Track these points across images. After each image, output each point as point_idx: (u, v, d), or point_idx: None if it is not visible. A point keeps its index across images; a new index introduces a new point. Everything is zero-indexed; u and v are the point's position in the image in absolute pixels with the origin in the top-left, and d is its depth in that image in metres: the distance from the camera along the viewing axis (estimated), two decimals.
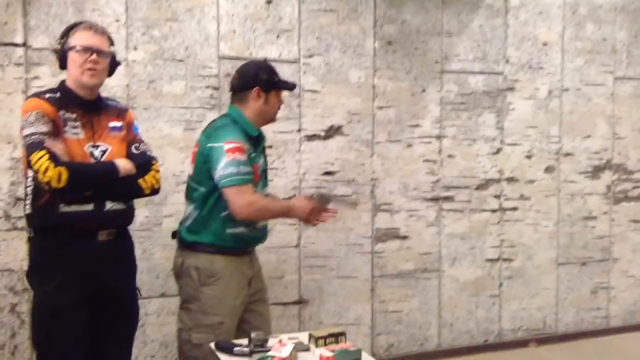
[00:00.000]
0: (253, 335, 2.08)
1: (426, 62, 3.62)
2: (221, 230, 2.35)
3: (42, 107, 2.06)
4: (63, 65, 2.16)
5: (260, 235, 2.50)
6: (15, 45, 2.83)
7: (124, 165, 2.15)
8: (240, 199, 2.27)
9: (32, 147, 2.01)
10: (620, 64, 4.12)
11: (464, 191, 3.75)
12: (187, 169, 3.05)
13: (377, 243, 3.56)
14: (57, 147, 2.03)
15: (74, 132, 2.10)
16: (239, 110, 2.43)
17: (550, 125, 3.94)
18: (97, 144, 2.15)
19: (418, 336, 3.69)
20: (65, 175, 1.98)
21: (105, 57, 2.15)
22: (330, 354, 1.96)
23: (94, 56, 2.09)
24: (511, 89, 3.83)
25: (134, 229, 3.01)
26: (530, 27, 3.86)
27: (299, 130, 3.35)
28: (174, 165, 3.10)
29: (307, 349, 2.10)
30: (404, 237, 3.63)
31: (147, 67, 3.04)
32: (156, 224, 3.08)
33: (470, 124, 3.74)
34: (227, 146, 2.26)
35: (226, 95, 3.15)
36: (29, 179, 2.11)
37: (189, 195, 2.42)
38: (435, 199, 3.69)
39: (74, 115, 2.11)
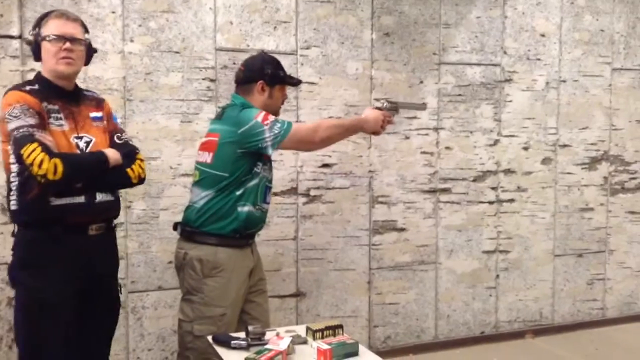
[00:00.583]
0: (250, 328, 2.08)
1: (424, 53, 3.61)
2: (230, 212, 2.37)
3: (26, 100, 2.01)
4: (37, 57, 2.11)
5: (262, 218, 2.52)
6: (11, 37, 2.82)
7: (113, 155, 2.13)
8: (304, 133, 2.42)
9: (22, 140, 1.94)
10: (618, 55, 4.11)
11: (461, 183, 3.75)
12: (184, 161, 3.08)
13: (374, 235, 3.57)
14: (48, 139, 1.99)
15: (58, 123, 2.07)
16: (245, 101, 2.48)
17: (547, 116, 3.94)
18: (81, 135, 2.12)
19: (415, 328, 3.70)
20: (60, 167, 1.94)
21: (80, 44, 2.11)
22: (327, 347, 1.96)
23: (68, 44, 2.05)
24: (509, 80, 3.82)
25: (130, 222, 3.04)
26: (528, 18, 3.85)
27: (297, 122, 3.33)
28: (170, 158, 3.09)
29: (304, 342, 2.11)
30: (401, 229, 3.63)
31: (143, 59, 3.03)
32: (153, 217, 3.08)
33: (468, 116, 3.74)
34: (258, 118, 2.35)
35: (223, 87, 3.16)
36: (13, 174, 2.06)
37: (203, 182, 2.43)
38: (432, 191, 3.69)
39: (56, 107, 2.08)
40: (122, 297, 3.02)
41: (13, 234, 2.15)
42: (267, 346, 1.96)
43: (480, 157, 3.79)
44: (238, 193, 2.38)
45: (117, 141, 2.21)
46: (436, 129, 3.67)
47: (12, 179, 2.07)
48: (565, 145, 4.01)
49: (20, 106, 1.99)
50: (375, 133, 2.69)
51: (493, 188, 3.84)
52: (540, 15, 3.87)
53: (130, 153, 2.21)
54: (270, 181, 2.53)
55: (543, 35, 3.89)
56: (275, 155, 3.25)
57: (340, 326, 2.18)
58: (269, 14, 3.26)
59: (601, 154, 4.11)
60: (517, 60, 3.84)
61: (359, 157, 3.51)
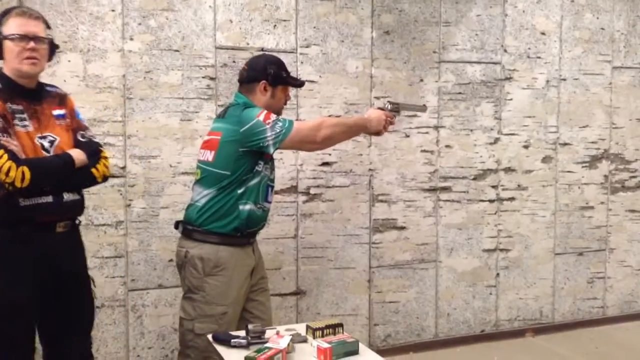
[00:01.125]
0: (250, 327, 2.08)
1: (424, 51, 3.60)
2: (232, 210, 2.37)
3: None
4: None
5: (264, 216, 2.52)
6: None
7: (78, 156, 2.13)
8: (306, 132, 2.41)
9: None
10: (618, 53, 4.10)
11: (461, 181, 3.75)
12: (184, 160, 3.08)
13: (374, 234, 3.57)
14: (13, 145, 1.97)
15: (23, 124, 2.04)
16: (247, 100, 2.48)
17: (547, 115, 3.94)
18: (45, 134, 2.10)
19: (415, 326, 3.70)
20: (28, 175, 1.94)
21: (43, 43, 2.07)
22: (327, 346, 1.96)
23: (32, 44, 2.02)
24: (509, 78, 3.82)
25: (130, 220, 3.04)
26: (528, 17, 3.84)
27: (298, 120, 3.33)
28: (170, 156, 3.09)
29: (304, 341, 2.10)
30: (402, 228, 3.63)
31: (143, 57, 3.02)
32: (153, 215, 3.07)
33: (468, 114, 3.73)
34: (260, 117, 2.36)
35: (223, 86, 3.15)
36: None
37: (205, 180, 2.43)
38: (432, 190, 3.69)
39: (20, 107, 2.05)
40: (122, 295, 3.04)
41: None
42: (267, 345, 1.96)
43: (481, 156, 3.79)
44: (239, 192, 2.38)
45: (81, 139, 2.20)
46: (436, 127, 3.67)
47: None
48: (565, 144, 4.00)
49: None
50: (378, 134, 2.68)
51: (493, 186, 3.84)
52: (540, 13, 3.87)
53: (94, 152, 2.20)
54: (272, 180, 2.53)
55: (543, 34, 3.89)
56: (275, 154, 3.26)
57: (341, 325, 2.17)
58: (268, 12, 3.25)
59: (601, 152, 4.11)
60: (517, 59, 3.83)
61: (359, 155, 3.50)
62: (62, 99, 2.22)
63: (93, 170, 2.18)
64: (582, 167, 4.06)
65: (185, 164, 3.09)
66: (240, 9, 3.20)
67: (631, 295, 4.27)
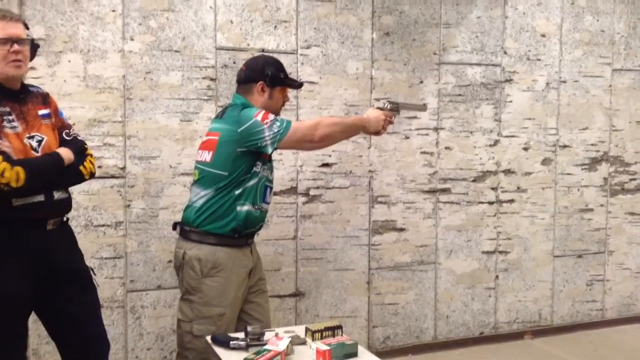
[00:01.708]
0: (249, 328, 2.08)
1: (424, 53, 3.60)
2: (229, 211, 2.37)
3: None
4: None
5: (262, 217, 2.52)
6: None
7: (66, 154, 2.17)
8: (304, 132, 2.41)
9: None
10: (618, 55, 4.10)
11: (461, 183, 3.75)
12: (184, 160, 3.08)
13: (374, 235, 3.56)
14: (6, 146, 2.01)
15: (11, 126, 2.07)
16: (245, 100, 2.49)
17: (547, 117, 3.94)
18: (33, 134, 2.13)
19: (414, 328, 3.70)
20: (22, 175, 1.98)
21: (25, 44, 2.09)
22: (326, 348, 1.96)
23: (15, 46, 2.03)
24: (509, 80, 3.82)
25: (129, 221, 3.03)
26: (528, 19, 3.84)
27: (297, 120, 3.33)
28: (170, 157, 3.09)
29: (303, 343, 2.10)
30: (401, 230, 3.63)
31: (143, 57, 3.02)
32: (152, 216, 3.07)
33: (468, 116, 3.73)
34: (257, 117, 2.36)
35: (223, 87, 3.15)
36: None
37: (202, 181, 2.43)
38: (432, 191, 3.69)
39: (7, 109, 2.07)
40: (121, 296, 3.04)
41: None
42: (266, 347, 1.96)
43: (480, 158, 3.79)
44: (237, 192, 2.38)
45: (66, 137, 2.23)
46: (436, 129, 3.67)
47: None
48: (565, 146, 4.00)
49: None
50: (377, 133, 2.68)
51: (493, 188, 3.84)
52: (540, 15, 3.87)
53: (80, 149, 2.24)
54: (270, 181, 2.53)
55: (543, 36, 3.89)
56: (275, 154, 3.26)
57: (340, 327, 2.17)
58: (269, 13, 3.25)
59: (601, 154, 4.11)
60: (517, 61, 3.83)
61: (359, 156, 3.50)
62: (45, 99, 2.24)
63: (81, 167, 2.22)
64: (582, 169, 4.06)
65: (185, 165, 3.08)
66: (240, 10, 3.20)
67: (630, 298, 4.27)
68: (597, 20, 4.02)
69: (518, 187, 3.90)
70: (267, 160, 2.48)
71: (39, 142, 2.13)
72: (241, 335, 2.10)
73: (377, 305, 3.60)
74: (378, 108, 2.68)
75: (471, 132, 3.75)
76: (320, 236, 3.44)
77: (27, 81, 2.36)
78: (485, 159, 3.80)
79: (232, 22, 3.18)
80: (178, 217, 2.60)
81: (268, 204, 2.54)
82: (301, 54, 3.33)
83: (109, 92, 2.97)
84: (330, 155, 3.42)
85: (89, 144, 2.38)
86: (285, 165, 3.33)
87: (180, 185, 3.09)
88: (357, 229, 3.53)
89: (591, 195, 4.10)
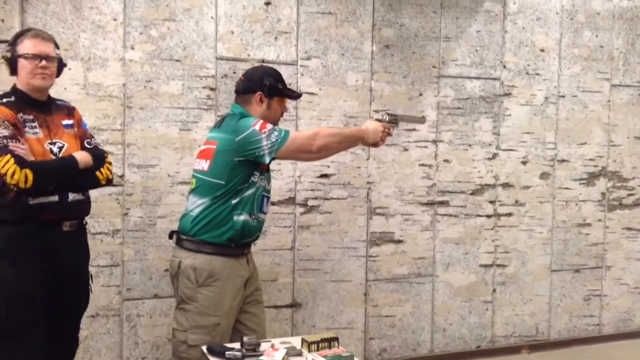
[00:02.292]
0: (245, 339, 2.08)
1: (423, 66, 3.62)
2: (226, 220, 2.37)
3: (2, 112, 2.21)
4: (13, 71, 2.31)
5: (259, 227, 2.52)
6: None
7: (83, 157, 2.33)
8: (302, 142, 2.42)
9: None
10: (617, 71, 4.13)
11: (459, 196, 3.75)
12: (183, 169, 3.08)
13: (371, 247, 3.56)
14: (21, 149, 2.18)
15: (33, 132, 2.27)
16: (244, 110, 2.49)
17: (546, 131, 3.95)
18: (54, 141, 2.33)
19: (411, 341, 3.69)
20: (31, 177, 2.14)
21: (53, 61, 2.33)
22: (322, 359, 1.95)
23: (43, 62, 2.27)
24: (508, 94, 3.84)
25: (127, 229, 3.03)
26: (528, 33, 3.87)
27: (296, 131, 3.34)
28: (169, 166, 3.09)
29: (299, 354, 2.09)
30: (399, 241, 3.63)
31: (144, 66, 3.03)
32: (150, 224, 3.07)
33: (467, 129, 3.74)
34: (256, 127, 2.37)
35: (223, 96, 3.16)
36: None
37: (199, 190, 2.43)
38: (430, 204, 3.69)
39: (30, 117, 2.28)
40: (117, 304, 3.04)
41: None
42: (261, 357, 1.96)
43: (479, 171, 3.79)
44: (234, 202, 2.38)
45: (87, 146, 2.41)
46: (435, 142, 3.68)
47: None
48: (563, 160, 4.01)
49: None
50: (375, 145, 2.67)
51: (491, 202, 3.84)
52: (540, 30, 3.89)
53: (99, 156, 2.41)
54: (268, 191, 2.53)
55: (542, 51, 3.91)
56: (273, 165, 3.27)
57: (336, 338, 2.16)
58: (270, 24, 3.27)
59: (599, 169, 4.12)
60: (516, 75, 3.85)
61: (358, 168, 3.51)
62: (70, 111, 2.45)
63: (97, 173, 2.38)
64: (580, 184, 4.07)
65: (183, 174, 3.09)
66: (241, 21, 3.21)
67: (627, 314, 4.26)
68: (596, 36, 4.05)
69: (516, 201, 3.90)
70: (265, 170, 2.49)
71: (60, 148, 2.32)
72: (237, 345, 2.10)
73: (374, 317, 3.59)
74: (376, 120, 2.68)
75: (470, 145, 3.76)
76: (317, 247, 3.44)
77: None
78: (483, 172, 3.81)
79: (232, 32, 3.20)
80: (176, 226, 2.60)
81: (265, 214, 2.53)
82: (301, 65, 3.35)
83: (109, 100, 2.98)
84: (328, 166, 3.42)
85: None
86: (284, 176, 3.33)
87: (179, 194, 3.09)
88: (355, 240, 3.52)
89: (589, 210, 4.10)
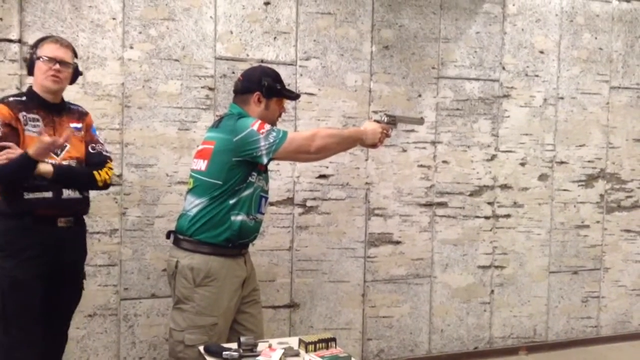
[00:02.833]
0: (242, 339, 2.07)
1: (423, 67, 3.62)
2: (224, 221, 2.37)
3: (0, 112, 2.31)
4: (31, 72, 2.43)
5: (256, 228, 2.51)
6: (11, 41, 2.82)
7: (43, 167, 2.31)
8: (300, 142, 2.41)
9: None
10: (616, 73, 4.13)
11: (457, 197, 3.75)
12: (181, 169, 3.07)
13: (369, 248, 3.56)
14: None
15: (35, 130, 2.34)
16: (242, 110, 2.48)
17: (544, 133, 3.95)
18: None
19: (408, 342, 3.68)
20: None
21: (68, 67, 2.43)
22: None
23: (57, 65, 2.38)
24: (507, 96, 3.84)
25: (125, 228, 3.03)
26: (527, 35, 3.87)
27: (294, 131, 3.33)
28: (167, 165, 3.09)
29: (296, 355, 2.09)
30: (397, 242, 3.62)
31: (142, 66, 3.03)
32: (148, 224, 3.07)
33: (465, 130, 3.74)
34: (254, 127, 2.36)
35: (221, 96, 3.16)
36: None
37: (197, 190, 2.42)
38: (428, 205, 3.69)
39: (36, 116, 2.37)
40: (114, 304, 3.03)
41: None
42: (259, 358, 1.96)
43: (477, 172, 3.79)
44: (232, 202, 2.38)
45: (91, 150, 2.50)
46: (434, 143, 3.68)
47: None
48: (562, 162, 4.01)
49: None
50: (373, 146, 2.66)
51: (489, 203, 3.84)
52: (539, 32, 3.90)
53: (101, 161, 2.49)
54: (266, 192, 2.52)
55: (542, 52, 3.91)
56: (272, 165, 3.26)
57: (333, 339, 2.16)
58: (269, 25, 3.27)
59: (598, 171, 4.12)
60: (515, 76, 3.85)
61: (356, 168, 3.50)
62: (81, 115, 2.54)
63: (95, 173, 2.44)
64: (578, 185, 4.07)
65: (181, 174, 3.08)
66: (240, 21, 3.21)
67: (625, 316, 4.26)
68: (596, 38, 4.05)
69: (514, 202, 3.90)
70: (263, 170, 2.48)
71: (62, 148, 2.38)
72: (234, 345, 2.09)
73: (372, 318, 3.59)
74: (375, 121, 2.68)
75: (468, 147, 3.76)
76: (316, 247, 3.44)
77: (25, 87, 2.50)
78: (482, 174, 3.81)
79: (232, 32, 3.20)
80: (173, 226, 2.59)
81: (263, 214, 2.53)
82: (300, 66, 3.35)
83: (107, 100, 2.98)
84: (327, 167, 3.42)
85: None
86: (282, 176, 3.33)
87: (177, 193, 3.08)
88: (353, 241, 3.52)
89: (587, 212, 4.10)
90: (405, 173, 3.62)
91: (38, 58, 2.38)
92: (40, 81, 2.39)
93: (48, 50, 2.38)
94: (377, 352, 3.61)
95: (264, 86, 2.48)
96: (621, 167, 4.18)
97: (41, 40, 2.43)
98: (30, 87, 2.44)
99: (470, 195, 3.79)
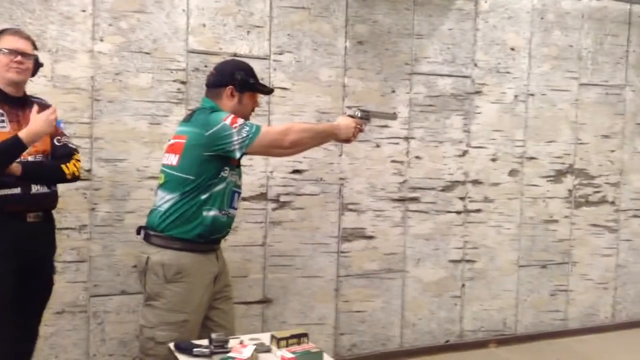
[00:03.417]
0: (214, 336, 2.06)
1: (396, 63, 3.63)
2: (195, 216, 2.35)
3: None
4: None
5: (229, 223, 2.50)
6: None
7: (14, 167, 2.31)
8: (273, 137, 2.39)
9: None
10: (585, 70, 4.19)
11: (429, 192, 3.78)
12: (152, 164, 3.04)
13: (343, 243, 3.57)
14: None
15: (1, 125, 2.35)
16: (214, 104, 2.46)
17: (515, 129, 4.00)
18: None
19: (381, 336, 3.71)
20: None
21: (29, 58, 2.42)
22: (291, 356, 1.95)
23: (19, 57, 2.37)
24: (478, 92, 3.87)
25: (94, 224, 2.98)
26: (499, 32, 3.91)
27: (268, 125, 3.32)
28: (138, 160, 3.05)
29: (268, 350, 2.09)
30: (370, 237, 3.64)
31: (113, 59, 2.98)
32: (118, 219, 3.03)
33: (438, 126, 3.77)
34: (227, 121, 2.34)
35: (193, 90, 3.13)
36: None
37: (168, 185, 2.40)
38: (401, 200, 3.71)
39: (1, 111, 2.37)
40: (84, 301, 2.99)
41: None
42: (230, 354, 1.94)
43: (449, 168, 3.83)
44: (203, 197, 2.36)
45: (57, 143, 2.48)
46: (407, 138, 3.70)
47: None
48: (531, 158, 4.07)
49: None
50: (347, 141, 2.66)
51: (461, 198, 3.88)
52: (511, 29, 3.94)
53: (68, 154, 2.48)
54: (238, 186, 2.51)
55: (513, 49, 3.96)
56: (245, 160, 3.24)
57: (305, 334, 2.17)
58: (242, 18, 3.24)
59: (566, 167, 4.19)
60: (487, 73, 3.89)
61: (330, 164, 3.51)
62: (44, 109, 2.44)
63: (63, 166, 2.43)
64: (547, 181, 4.13)
65: (153, 168, 3.04)
66: (213, 14, 3.18)
67: (592, 309, 4.35)
68: (566, 36, 4.11)
69: (485, 198, 3.95)
70: (236, 165, 2.47)
71: None
72: (205, 342, 2.08)
73: (345, 313, 3.60)
74: (349, 116, 2.68)
75: (441, 142, 3.79)
76: (289, 243, 3.43)
77: None
78: (454, 169, 3.84)
79: (204, 25, 3.16)
80: (145, 221, 2.57)
81: (235, 209, 2.52)
82: (274, 60, 3.33)
83: (77, 93, 2.93)
84: (301, 162, 3.42)
85: None
86: (256, 171, 3.31)
87: (148, 188, 3.05)
88: (327, 236, 3.53)
89: (556, 207, 4.18)
90: (379, 168, 3.63)
91: None
92: (3, 74, 2.37)
93: (8, 42, 2.37)
94: (349, 346, 3.63)
95: (237, 80, 2.46)
96: (589, 162, 4.26)
97: (0, 33, 2.41)
98: None
99: (442, 190, 3.82)
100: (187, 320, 2.35)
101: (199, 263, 2.39)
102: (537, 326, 4.17)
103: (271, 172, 3.36)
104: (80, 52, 2.92)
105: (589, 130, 4.24)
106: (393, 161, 3.67)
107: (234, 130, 2.32)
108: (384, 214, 3.67)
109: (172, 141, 2.48)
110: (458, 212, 3.88)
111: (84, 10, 2.92)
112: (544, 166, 4.11)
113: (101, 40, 2.96)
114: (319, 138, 2.59)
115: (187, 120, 2.49)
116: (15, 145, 2.26)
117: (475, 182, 3.91)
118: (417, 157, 3.73)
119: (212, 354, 2.00)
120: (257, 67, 3.15)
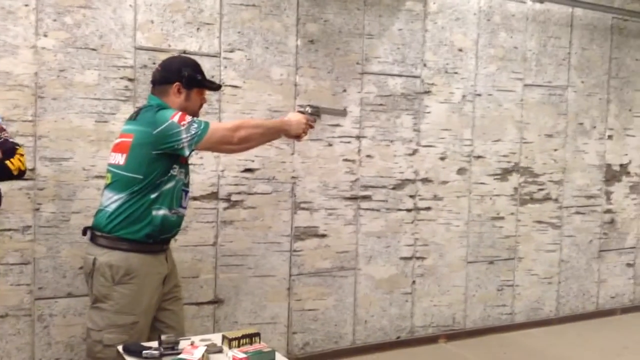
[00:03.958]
0: (163, 337, 2.03)
1: (347, 62, 3.66)
2: (144, 216, 2.31)
3: None
4: None
5: (178, 222, 2.46)
6: None
7: None
8: (222, 133, 2.36)
9: None
10: (529, 71, 4.32)
11: (381, 191, 3.83)
12: (99, 163, 2.96)
13: (295, 241, 3.57)
14: None
15: None
16: (161, 102, 2.42)
17: (463, 128, 4.09)
18: None
19: (333, 334, 3.73)
20: None
21: None
22: (243, 356, 1.94)
23: None
24: (428, 92, 3.94)
25: (38, 225, 2.89)
26: (447, 33, 3.98)
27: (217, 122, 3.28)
28: (84, 159, 2.97)
29: (220, 351, 2.07)
30: (323, 236, 3.66)
31: (57, 55, 2.89)
32: (63, 220, 2.94)
33: (389, 125, 3.82)
34: (175, 119, 2.30)
35: (142, 87, 3.07)
36: None
37: (115, 185, 2.34)
38: (353, 198, 3.74)
39: None
40: (28, 304, 2.90)
41: None
42: (180, 356, 1.91)
43: (400, 166, 3.88)
44: (153, 196, 2.32)
45: None
46: (358, 137, 3.73)
47: None
48: (479, 157, 4.17)
49: None
50: (297, 137, 2.65)
51: (411, 196, 3.94)
52: (458, 30, 4.02)
53: (9, 149, 2.34)
54: (187, 185, 2.47)
55: (461, 50, 4.04)
56: (195, 158, 3.21)
57: (257, 334, 2.16)
58: (192, 15, 3.20)
59: (512, 165, 4.31)
60: (436, 73, 3.96)
61: (282, 162, 3.50)
62: None
63: (7, 162, 2.29)
64: (494, 179, 4.24)
65: (99, 167, 2.97)
66: (162, 10, 3.13)
67: (537, 303, 4.49)
68: (511, 37, 4.23)
69: (435, 195, 4.02)
70: (184, 163, 2.43)
71: None
72: (155, 344, 2.05)
73: (297, 312, 3.61)
74: (299, 112, 2.68)
75: (391, 141, 3.84)
76: (241, 242, 3.41)
77: None
78: (404, 168, 3.90)
79: (152, 22, 3.11)
80: (91, 222, 2.50)
81: (185, 208, 2.48)
82: (224, 58, 3.30)
83: (19, 90, 2.83)
84: (253, 161, 3.40)
85: None
86: (206, 170, 3.28)
87: (94, 188, 2.97)
88: (279, 235, 3.52)
89: (502, 204, 4.29)
90: (331, 167, 3.65)
91: None
92: None
93: None
94: (302, 345, 3.64)
95: (184, 76, 2.42)
96: (534, 161, 4.39)
97: None
98: None
99: (393, 188, 3.87)
100: (136, 322, 2.31)
101: (147, 264, 2.35)
102: (485, 321, 4.28)
103: (222, 171, 3.33)
104: (22, 47, 2.82)
105: (533, 130, 4.37)
106: (345, 160, 3.69)
107: (183, 127, 2.29)
108: (336, 212, 3.69)
109: (118, 140, 2.43)
110: (408, 210, 3.93)
111: (26, 5, 2.82)
112: (490, 165, 4.22)
113: (45, 36, 2.87)
114: (269, 134, 2.58)
115: (134, 118, 2.43)
116: None
117: (425, 181, 3.98)
118: (369, 156, 3.77)
119: (161, 355, 1.97)
120: (207, 64, 3.14)
